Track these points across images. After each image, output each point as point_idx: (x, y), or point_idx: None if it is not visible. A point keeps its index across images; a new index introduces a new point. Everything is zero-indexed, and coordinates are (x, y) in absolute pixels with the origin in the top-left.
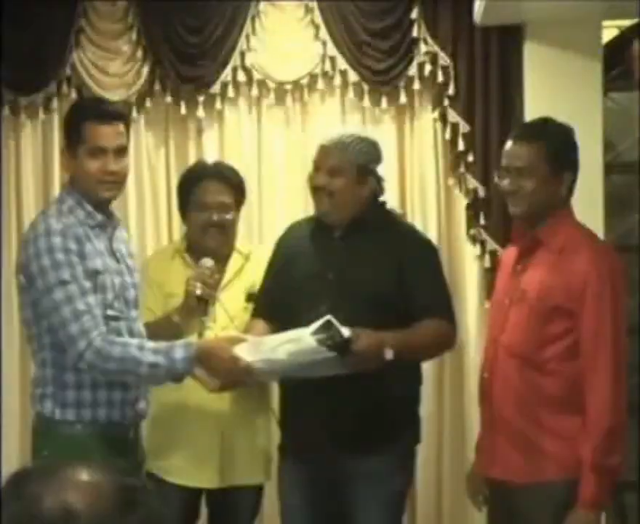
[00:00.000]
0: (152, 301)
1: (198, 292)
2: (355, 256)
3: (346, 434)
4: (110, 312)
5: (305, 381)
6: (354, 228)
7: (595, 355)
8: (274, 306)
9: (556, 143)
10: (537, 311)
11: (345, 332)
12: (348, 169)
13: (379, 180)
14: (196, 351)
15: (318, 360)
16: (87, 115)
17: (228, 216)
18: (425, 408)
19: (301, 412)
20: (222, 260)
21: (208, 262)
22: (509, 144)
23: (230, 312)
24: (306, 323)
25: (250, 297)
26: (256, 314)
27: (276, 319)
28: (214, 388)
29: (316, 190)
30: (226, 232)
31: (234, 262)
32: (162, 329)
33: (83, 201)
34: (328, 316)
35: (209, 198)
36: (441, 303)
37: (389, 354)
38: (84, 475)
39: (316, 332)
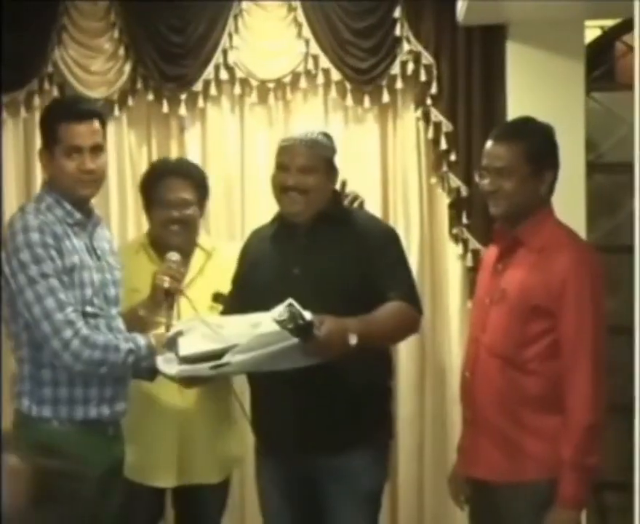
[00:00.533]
0: None
1: (166, 285)
2: (319, 251)
3: (317, 433)
4: (89, 309)
5: (274, 381)
6: (317, 223)
7: (574, 354)
8: (242, 311)
9: (536, 143)
10: (517, 311)
11: (307, 315)
12: (319, 165)
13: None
14: (149, 337)
15: (279, 348)
16: (62, 115)
17: (189, 212)
18: (406, 407)
19: (272, 412)
20: (184, 256)
21: (174, 256)
22: (489, 144)
23: (196, 308)
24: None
25: (217, 297)
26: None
27: None
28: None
29: (285, 190)
30: (188, 228)
31: (197, 259)
32: (127, 323)
33: (62, 200)
34: (289, 300)
35: (170, 195)
36: (403, 286)
37: (353, 339)
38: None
39: (277, 318)
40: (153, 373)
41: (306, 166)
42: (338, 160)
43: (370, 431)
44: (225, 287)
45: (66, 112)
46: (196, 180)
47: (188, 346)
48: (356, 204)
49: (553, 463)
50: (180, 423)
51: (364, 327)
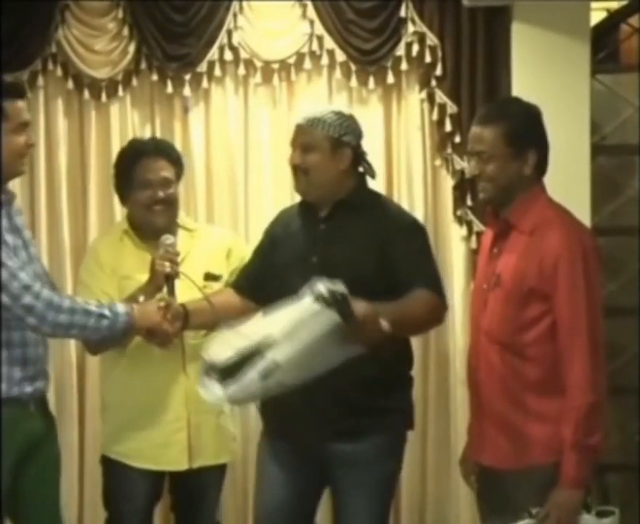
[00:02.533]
0: (107, 285)
1: (168, 270)
2: (339, 238)
3: (334, 419)
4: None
5: None
6: (339, 210)
7: (571, 335)
8: (256, 285)
9: (515, 124)
10: (512, 296)
11: (341, 287)
12: (320, 143)
13: (361, 156)
14: (132, 306)
15: (320, 333)
16: (3, 93)
17: (172, 191)
18: None
19: (285, 397)
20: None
21: (169, 239)
22: (472, 127)
23: (190, 288)
24: (275, 302)
25: (208, 276)
26: (234, 285)
27: (255, 298)
28: (164, 341)
29: (293, 169)
30: (171, 208)
31: (183, 239)
32: None
33: None
34: (313, 280)
35: (151, 175)
36: (429, 277)
37: (386, 325)
38: None
39: (315, 293)
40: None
41: (306, 144)
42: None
43: (388, 420)
44: (213, 267)
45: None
46: (174, 158)
47: (219, 354)
48: None
49: (557, 446)
50: (188, 405)
51: (396, 313)
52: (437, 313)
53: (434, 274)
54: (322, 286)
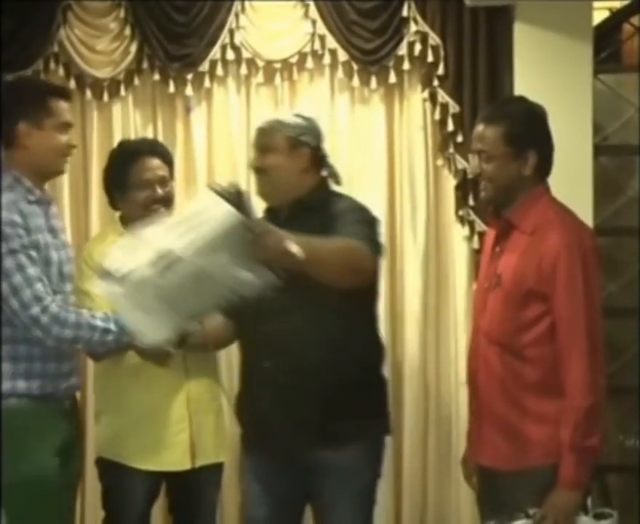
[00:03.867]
0: None
1: None
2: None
3: (305, 427)
4: (52, 286)
5: (260, 371)
6: (298, 211)
7: (570, 336)
8: None
9: (516, 125)
10: (512, 297)
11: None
12: (278, 144)
13: (323, 158)
14: None
15: (216, 230)
16: (52, 91)
17: (169, 189)
18: (411, 391)
19: (258, 404)
20: None
21: None
22: (476, 125)
23: None
24: (250, 308)
25: None
26: None
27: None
28: (163, 360)
29: (255, 172)
30: (169, 206)
31: None
32: None
33: (22, 178)
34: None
35: (149, 174)
36: (360, 233)
37: (293, 247)
38: None
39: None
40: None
41: (265, 145)
42: (331, 142)
43: (363, 425)
44: None
45: (54, 89)
46: (168, 157)
47: (120, 264)
48: None
49: (555, 448)
50: (189, 406)
51: (312, 243)
52: (361, 259)
53: (368, 234)
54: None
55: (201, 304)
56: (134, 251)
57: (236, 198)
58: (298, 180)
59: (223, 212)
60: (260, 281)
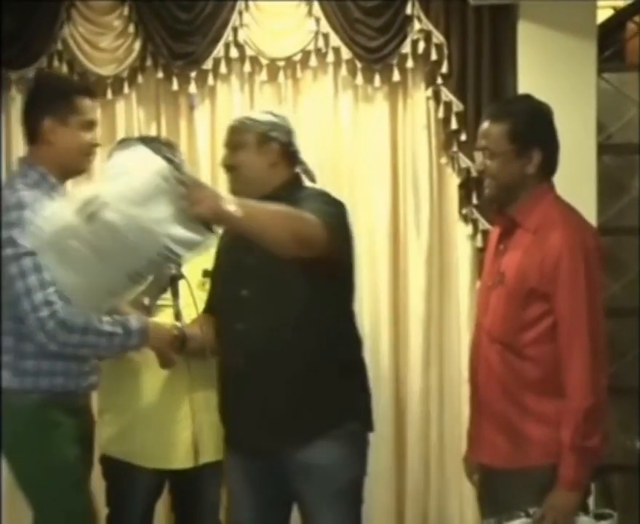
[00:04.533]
0: None
1: (173, 272)
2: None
3: (280, 427)
4: None
5: (231, 367)
6: None
7: (571, 336)
8: (211, 299)
9: (520, 122)
10: (514, 295)
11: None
12: (247, 140)
13: (294, 154)
14: (147, 324)
15: (144, 176)
16: (78, 89)
17: None
18: (413, 387)
19: (235, 405)
20: None
21: None
22: (481, 123)
23: (191, 287)
24: (228, 312)
25: (206, 273)
26: (206, 310)
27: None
28: (168, 364)
29: (225, 170)
30: None
31: None
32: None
33: (48, 175)
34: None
35: None
36: (314, 208)
37: (229, 205)
38: None
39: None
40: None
41: (234, 142)
42: (334, 140)
43: (336, 421)
44: (211, 263)
45: (81, 87)
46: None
47: (47, 223)
48: None
49: (555, 448)
50: (192, 404)
51: (244, 203)
52: (307, 227)
53: (323, 209)
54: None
55: (136, 262)
56: (63, 203)
57: (166, 152)
58: (268, 176)
59: (153, 163)
60: (197, 239)
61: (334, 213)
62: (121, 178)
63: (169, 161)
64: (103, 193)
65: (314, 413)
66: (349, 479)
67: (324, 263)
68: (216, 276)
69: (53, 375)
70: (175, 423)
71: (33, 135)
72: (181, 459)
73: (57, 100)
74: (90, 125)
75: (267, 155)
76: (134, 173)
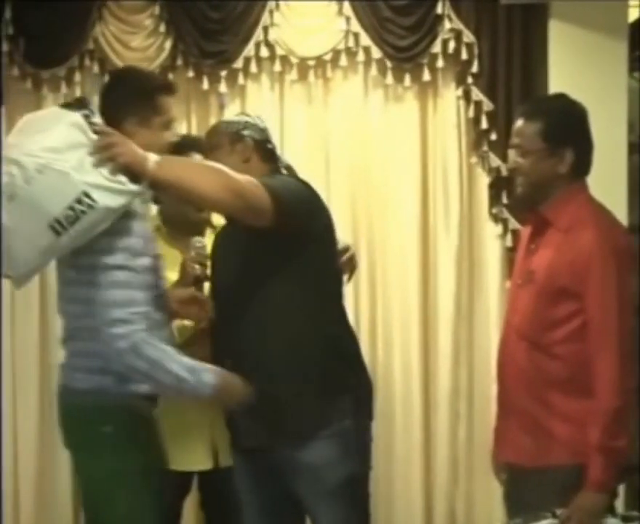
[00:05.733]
0: None
1: (198, 272)
2: (239, 231)
3: (270, 424)
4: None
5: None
6: None
7: (601, 336)
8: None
9: (553, 121)
10: (544, 293)
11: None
12: (220, 141)
13: (271, 152)
14: (223, 383)
15: (60, 129)
16: (160, 87)
17: None
18: (443, 386)
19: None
20: (200, 234)
21: (199, 241)
22: (515, 121)
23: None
24: (217, 311)
25: None
26: None
27: None
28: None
29: None
30: None
31: (209, 239)
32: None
33: None
34: None
35: None
36: (262, 182)
37: (148, 156)
38: None
39: None
40: None
41: (208, 145)
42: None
43: (323, 418)
44: None
45: (164, 86)
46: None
47: None
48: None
49: (580, 447)
50: (212, 406)
51: (165, 158)
52: (248, 190)
53: (275, 183)
54: None
55: (55, 208)
56: None
57: (81, 106)
58: (243, 172)
59: (67, 116)
60: (118, 187)
61: (287, 187)
62: (37, 135)
63: (85, 116)
64: (20, 144)
65: (292, 414)
66: (343, 476)
67: (283, 238)
68: (212, 275)
69: (139, 381)
70: (195, 427)
71: None
72: (200, 461)
73: (139, 100)
74: (170, 124)
75: (240, 153)
76: (50, 127)
